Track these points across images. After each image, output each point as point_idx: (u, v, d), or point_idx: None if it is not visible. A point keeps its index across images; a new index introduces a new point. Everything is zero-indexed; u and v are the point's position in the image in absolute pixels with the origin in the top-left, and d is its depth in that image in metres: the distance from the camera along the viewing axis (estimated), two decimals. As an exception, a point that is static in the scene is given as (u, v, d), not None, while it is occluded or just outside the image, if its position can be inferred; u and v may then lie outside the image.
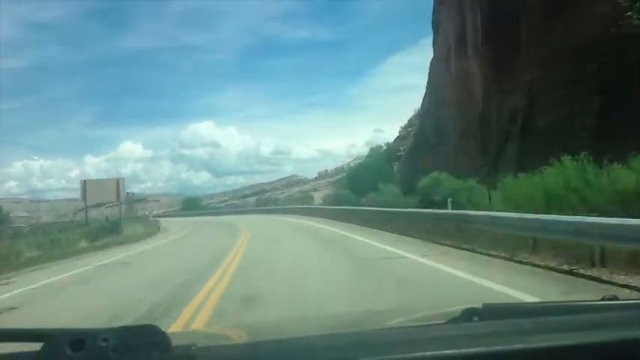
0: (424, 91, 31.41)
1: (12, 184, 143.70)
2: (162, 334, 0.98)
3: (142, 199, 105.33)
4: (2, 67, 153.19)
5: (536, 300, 5.10)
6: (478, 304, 1.38)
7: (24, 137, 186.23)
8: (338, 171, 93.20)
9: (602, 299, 1.49)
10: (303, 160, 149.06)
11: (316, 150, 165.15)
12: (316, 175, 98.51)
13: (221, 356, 1.10)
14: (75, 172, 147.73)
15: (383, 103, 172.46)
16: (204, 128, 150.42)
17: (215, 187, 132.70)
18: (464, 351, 0.99)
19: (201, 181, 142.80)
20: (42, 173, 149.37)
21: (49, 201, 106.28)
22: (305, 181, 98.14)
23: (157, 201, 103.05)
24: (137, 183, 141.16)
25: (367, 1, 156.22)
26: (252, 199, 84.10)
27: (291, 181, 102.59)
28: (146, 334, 0.98)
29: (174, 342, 0.98)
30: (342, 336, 1.38)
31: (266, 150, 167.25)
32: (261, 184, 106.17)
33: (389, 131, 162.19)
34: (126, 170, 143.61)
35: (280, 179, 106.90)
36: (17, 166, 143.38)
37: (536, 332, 1.10)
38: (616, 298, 1.55)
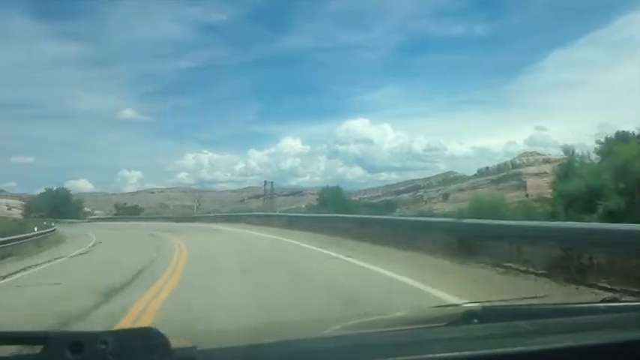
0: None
1: (183, 174, 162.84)
2: (162, 336, 0.96)
3: (299, 192, 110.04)
4: (178, 67, 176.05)
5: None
6: (478, 306, 1.43)
7: (196, 132, 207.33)
8: (500, 168, 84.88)
9: (602, 301, 1.50)
10: (456, 158, 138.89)
11: (470, 147, 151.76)
12: (475, 172, 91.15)
13: (221, 358, 1.10)
14: (240, 166, 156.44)
15: (544, 100, 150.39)
16: (358, 125, 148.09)
17: (368, 183, 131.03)
18: (464, 353, 0.98)
19: (355, 176, 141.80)
20: (210, 166, 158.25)
21: (213, 191, 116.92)
22: (463, 178, 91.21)
23: (313, 194, 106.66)
24: (296, 177, 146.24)
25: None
26: (407, 196, 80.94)
27: (448, 178, 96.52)
28: (145, 336, 0.96)
29: (174, 344, 0.97)
30: (343, 338, 1.35)
31: (418, 147, 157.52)
32: (415, 180, 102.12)
33: (552, 128, 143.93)
34: (285, 164, 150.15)
35: (436, 175, 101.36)
36: (189, 159, 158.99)
37: (536, 334, 1.11)
38: (616, 300, 1.59)
